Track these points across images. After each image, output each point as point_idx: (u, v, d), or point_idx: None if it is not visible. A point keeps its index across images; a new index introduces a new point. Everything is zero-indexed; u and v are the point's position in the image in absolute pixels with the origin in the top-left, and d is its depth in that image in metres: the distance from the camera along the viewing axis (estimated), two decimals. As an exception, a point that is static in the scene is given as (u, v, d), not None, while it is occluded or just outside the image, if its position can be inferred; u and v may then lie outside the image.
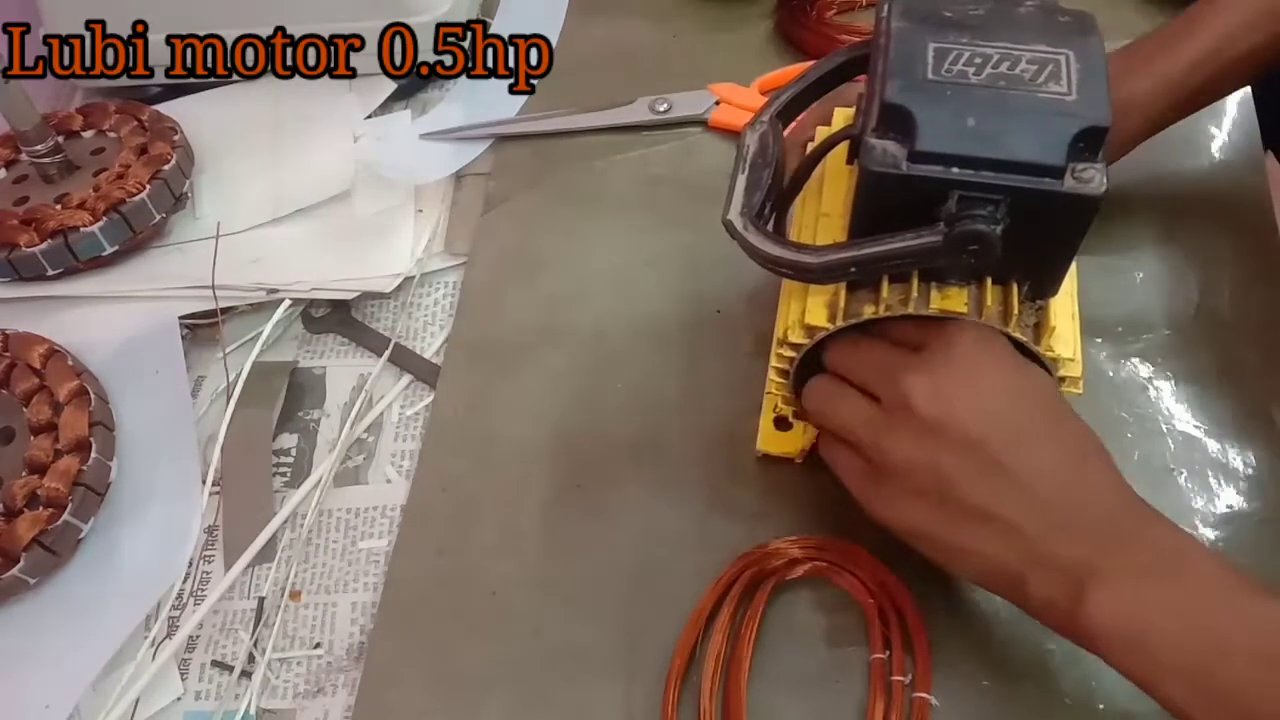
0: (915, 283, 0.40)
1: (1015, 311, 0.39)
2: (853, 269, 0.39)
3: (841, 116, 0.47)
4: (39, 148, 0.64)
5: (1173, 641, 0.35)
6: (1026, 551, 0.38)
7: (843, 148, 0.44)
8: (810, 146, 0.45)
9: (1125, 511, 0.39)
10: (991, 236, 0.36)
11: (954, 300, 0.40)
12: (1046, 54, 0.37)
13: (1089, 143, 0.36)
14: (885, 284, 0.40)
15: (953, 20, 0.38)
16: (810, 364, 0.44)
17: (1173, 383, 0.53)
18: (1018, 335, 0.39)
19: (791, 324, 0.43)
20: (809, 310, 0.42)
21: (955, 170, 0.36)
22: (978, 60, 0.37)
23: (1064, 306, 0.41)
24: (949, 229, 0.36)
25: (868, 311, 0.40)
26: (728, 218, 0.41)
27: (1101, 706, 0.44)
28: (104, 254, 0.62)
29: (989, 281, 0.40)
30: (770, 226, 0.42)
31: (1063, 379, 0.41)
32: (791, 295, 0.44)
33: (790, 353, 0.44)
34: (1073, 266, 0.41)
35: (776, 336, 0.44)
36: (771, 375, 0.46)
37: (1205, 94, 0.52)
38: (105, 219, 0.61)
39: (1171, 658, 0.35)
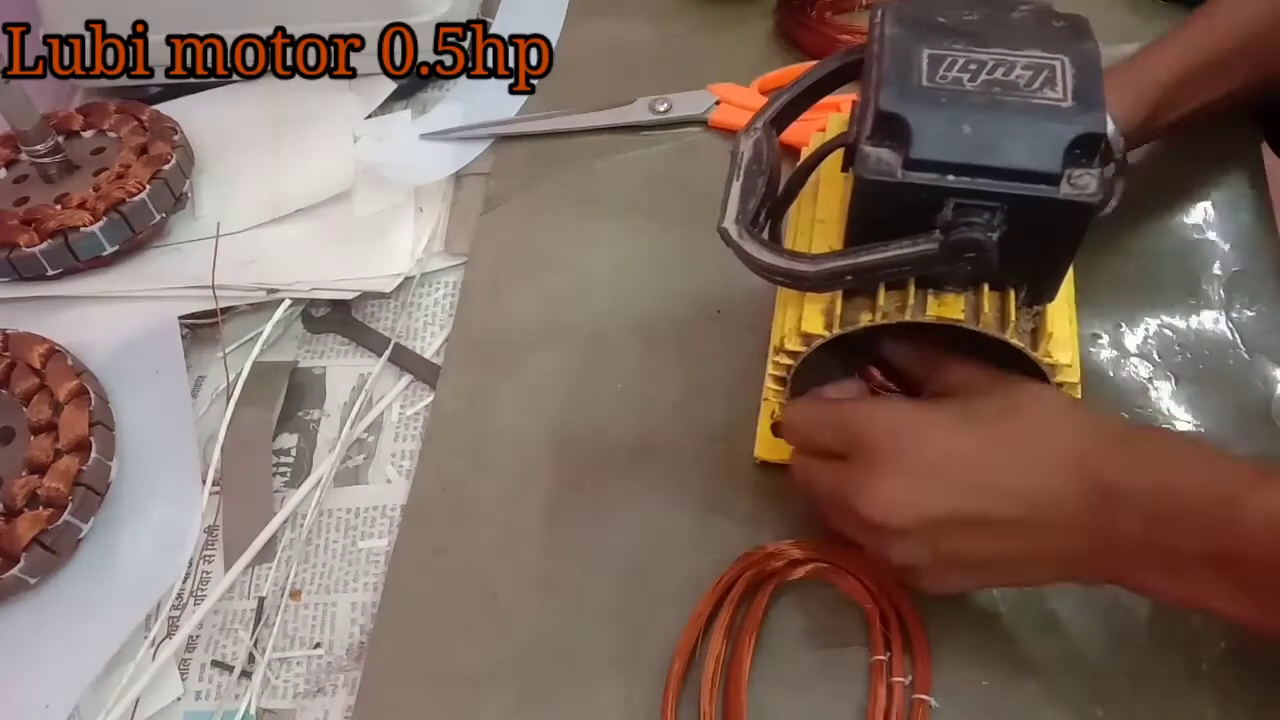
0: (912, 290, 0.40)
1: (1012, 318, 0.39)
2: (849, 277, 0.39)
3: (836, 123, 0.47)
4: (39, 148, 0.64)
5: None
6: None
7: (837, 154, 0.44)
8: (805, 153, 0.45)
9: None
10: (988, 244, 0.36)
11: (951, 307, 0.40)
12: (1041, 60, 0.37)
13: (1085, 149, 0.36)
14: (882, 291, 0.40)
15: (947, 26, 0.38)
16: (807, 371, 0.44)
17: (1173, 383, 0.53)
18: (1015, 342, 0.39)
19: (788, 332, 0.42)
20: (805, 318, 0.42)
21: (951, 178, 0.36)
22: (972, 67, 0.37)
23: (1061, 312, 0.41)
24: (945, 236, 0.36)
25: (864, 319, 0.40)
26: (722, 225, 0.41)
27: (1101, 710, 0.44)
28: (104, 254, 0.62)
29: (986, 288, 0.40)
30: (765, 234, 0.42)
31: (1061, 384, 0.41)
32: (788, 303, 0.44)
33: (787, 360, 0.43)
34: (1071, 271, 0.41)
35: (773, 344, 0.44)
36: (769, 383, 0.46)
37: (1184, 120, 0.53)
38: (105, 219, 0.61)
39: None
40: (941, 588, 0.42)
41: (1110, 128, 0.38)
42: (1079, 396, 0.42)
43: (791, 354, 0.43)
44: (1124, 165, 0.40)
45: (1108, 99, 0.36)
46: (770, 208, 0.43)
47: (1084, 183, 0.35)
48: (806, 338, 0.42)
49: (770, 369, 0.45)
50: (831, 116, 0.48)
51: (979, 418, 0.41)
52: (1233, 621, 0.38)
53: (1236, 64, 0.52)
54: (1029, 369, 0.41)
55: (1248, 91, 0.53)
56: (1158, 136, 0.54)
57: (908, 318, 0.40)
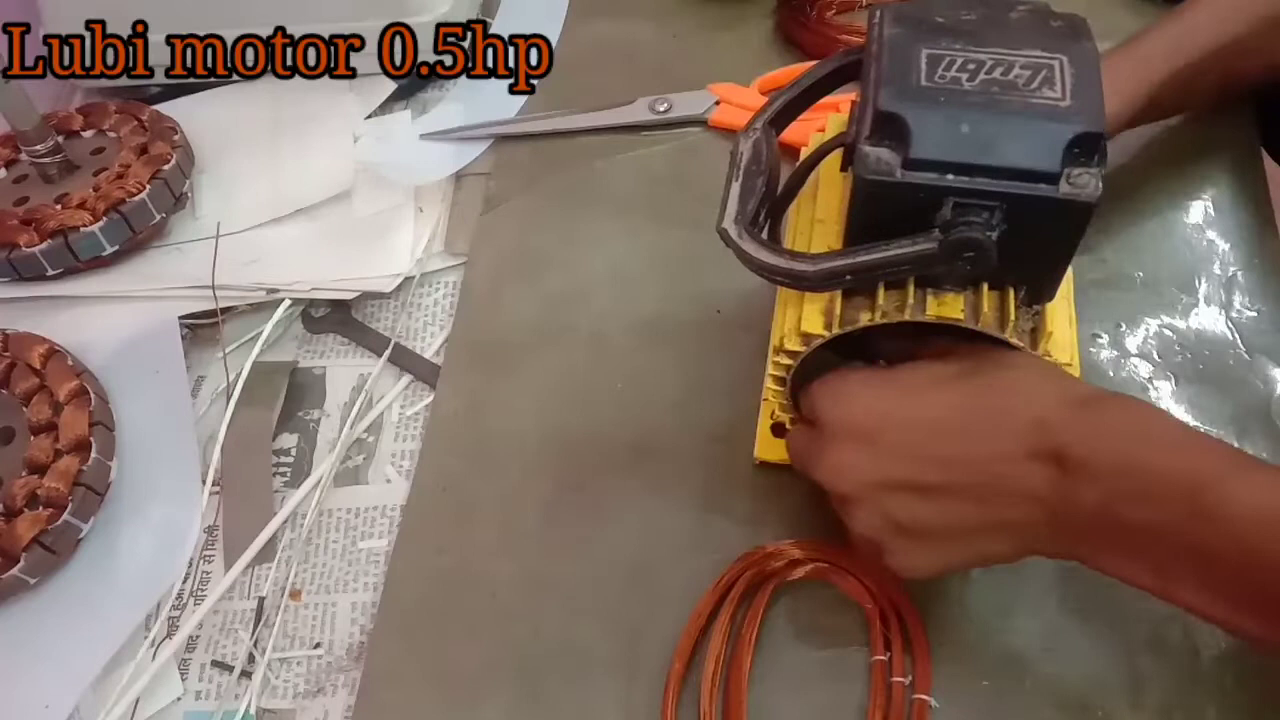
0: (911, 289, 0.40)
1: (1012, 317, 0.39)
2: (848, 277, 0.39)
3: (835, 123, 0.47)
4: (39, 148, 0.64)
5: None
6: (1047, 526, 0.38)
7: (836, 154, 0.44)
8: (804, 153, 0.45)
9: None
10: (987, 243, 0.36)
11: (950, 306, 0.40)
12: (1040, 59, 0.37)
13: (1084, 148, 0.36)
14: (881, 291, 0.40)
15: (945, 26, 0.38)
16: (807, 371, 0.44)
17: (1173, 383, 0.53)
18: (1014, 341, 0.39)
19: (788, 332, 0.43)
20: (805, 318, 0.42)
21: (950, 177, 0.36)
22: (971, 66, 0.37)
23: (1060, 311, 0.41)
24: (944, 236, 0.36)
25: (864, 319, 0.40)
26: (722, 226, 0.41)
27: (1101, 710, 0.44)
28: (104, 254, 0.62)
29: (985, 287, 0.40)
30: (765, 234, 0.42)
31: None
32: (787, 303, 0.44)
33: (787, 360, 0.44)
34: (1070, 270, 0.41)
35: (773, 344, 0.44)
36: (768, 383, 0.46)
37: (1172, 106, 0.53)
38: (105, 219, 0.61)
39: None
40: (908, 566, 0.41)
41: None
42: None
43: (791, 354, 0.43)
44: (1103, 158, 0.39)
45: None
46: (769, 208, 0.43)
47: (1083, 181, 0.35)
48: (806, 338, 0.42)
49: (770, 369, 0.45)
50: (831, 116, 0.48)
51: (934, 380, 0.40)
52: (1207, 621, 0.36)
53: (1218, 59, 0.52)
54: None
55: (1234, 86, 0.53)
56: (1142, 123, 0.54)
57: (907, 317, 0.40)
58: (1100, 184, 0.35)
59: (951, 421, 0.39)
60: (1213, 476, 0.34)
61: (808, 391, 0.43)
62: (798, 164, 0.45)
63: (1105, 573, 0.38)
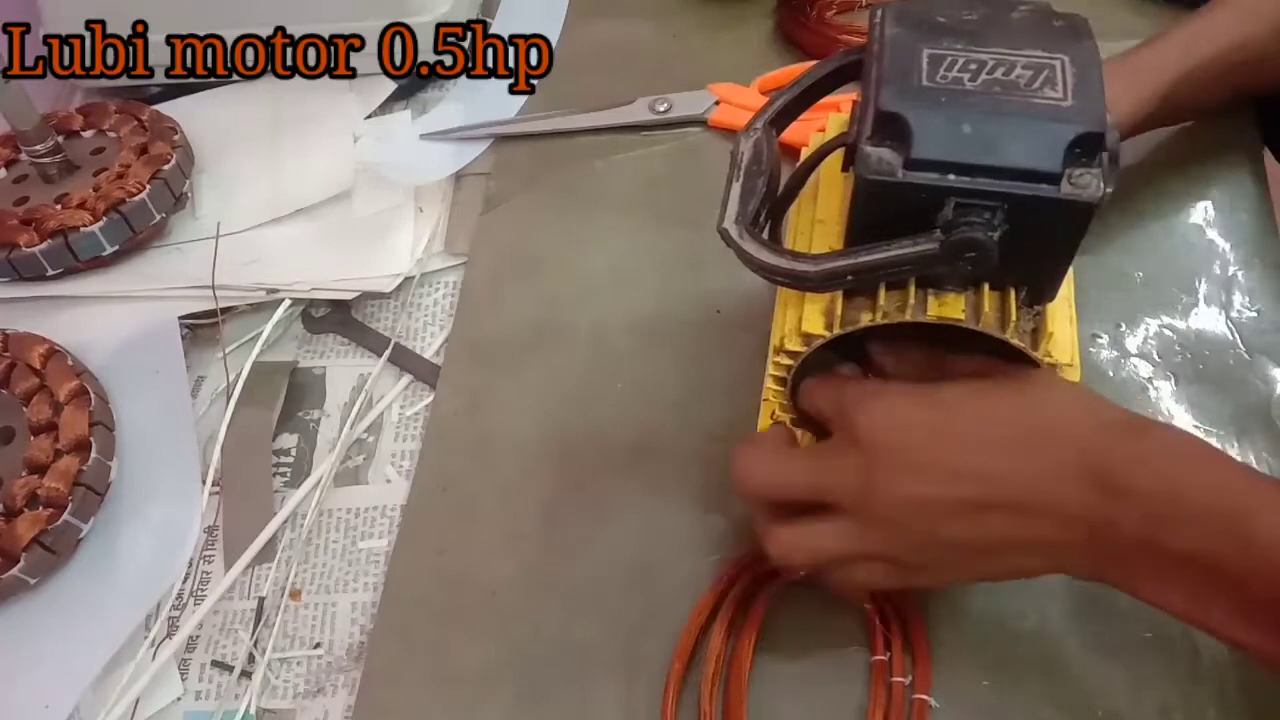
0: (912, 289, 0.40)
1: (1013, 318, 0.39)
2: (849, 277, 0.39)
3: (836, 123, 0.47)
4: (39, 148, 0.64)
5: None
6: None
7: (837, 154, 0.44)
8: (805, 153, 0.45)
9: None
10: (988, 243, 0.36)
11: (951, 307, 0.40)
12: (1042, 59, 0.37)
13: (1085, 148, 0.35)
14: (882, 291, 0.40)
15: (947, 26, 0.38)
16: (809, 372, 0.44)
17: (1173, 383, 0.53)
18: (1015, 341, 0.39)
19: (788, 332, 0.42)
20: (806, 318, 0.42)
21: (951, 177, 0.36)
22: (972, 66, 0.37)
23: (1061, 311, 0.41)
24: (946, 236, 0.36)
25: (865, 319, 0.40)
26: (722, 226, 0.41)
27: (1101, 710, 0.44)
28: (104, 254, 0.62)
29: (986, 287, 0.40)
30: (766, 234, 0.42)
31: None
32: (788, 303, 0.44)
33: (788, 360, 0.43)
34: (1070, 270, 0.41)
35: (773, 344, 0.44)
36: (768, 383, 0.46)
37: (1186, 109, 0.53)
38: (105, 219, 0.61)
39: None
40: (936, 582, 0.42)
41: (1108, 119, 0.38)
42: None
43: (792, 354, 0.43)
44: (1116, 159, 0.39)
45: (1108, 92, 0.36)
46: (770, 208, 0.43)
47: (1084, 182, 0.35)
48: (807, 338, 0.42)
49: (770, 369, 0.45)
50: (831, 116, 0.48)
51: (976, 396, 0.40)
52: (1234, 646, 0.36)
53: (1235, 64, 0.52)
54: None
55: (1247, 91, 0.54)
56: (1156, 126, 0.54)
57: (908, 317, 0.40)
58: (1102, 184, 0.35)
59: (994, 437, 0.39)
60: (1253, 506, 0.35)
61: (842, 407, 0.42)
62: (798, 164, 0.45)
63: (1136, 596, 0.38)
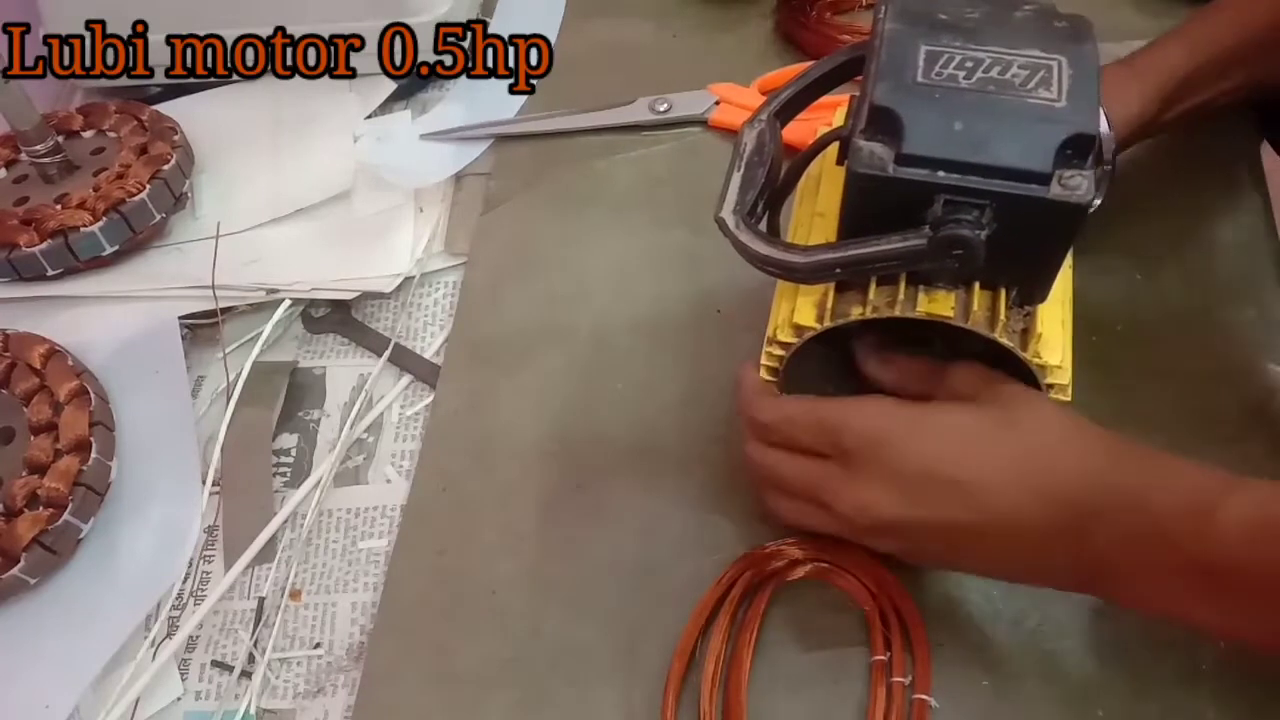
0: (902, 285, 0.40)
1: (1002, 317, 0.39)
2: (838, 270, 0.39)
3: (842, 116, 0.47)
4: (39, 148, 0.64)
5: None
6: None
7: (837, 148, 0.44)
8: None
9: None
10: (975, 241, 0.36)
11: (940, 304, 0.40)
12: (1039, 59, 0.37)
13: (1076, 150, 0.35)
14: (873, 286, 0.40)
15: (947, 23, 0.38)
16: (808, 371, 0.44)
17: (1172, 383, 0.53)
18: (1004, 341, 0.39)
19: (781, 323, 0.43)
20: (798, 310, 0.42)
21: (941, 174, 0.36)
22: (969, 64, 0.37)
23: (1053, 313, 0.41)
24: (934, 233, 0.36)
25: (855, 313, 0.40)
26: (720, 215, 0.41)
27: (1101, 710, 0.44)
28: (104, 254, 0.62)
29: (976, 286, 0.40)
30: (763, 225, 0.42)
31: (1051, 385, 0.41)
32: (783, 295, 0.44)
33: (780, 351, 0.44)
34: (1068, 272, 0.41)
35: (767, 335, 0.44)
36: (762, 374, 0.46)
37: (1190, 111, 0.53)
38: (105, 219, 0.61)
39: None
40: (918, 564, 0.45)
41: (1104, 128, 0.38)
42: (1069, 398, 0.42)
43: (784, 345, 0.43)
44: (1113, 163, 0.40)
45: (1111, 94, 0.36)
46: (768, 199, 0.43)
47: (1075, 184, 0.35)
48: (798, 329, 0.42)
49: (763, 359, 0.45)
50: (839, 110, 0.48)
51: (970, 427, 0.41)
52: (1218, 637, 0.38)
53: (1240, 62, 0.52)
54: (1019, 369, 0.41)
55: (1251, 89, 0.53)
56: (1160, 131, 0.54)
57: (897, 313, 0.40)
58: (1094, 186, 0.35)
59: (975, 461, 0.40)
60: (1213, 500, 0.36)
61: (817, 420, 0.43)
62: (797, 155, 0.45)
63: (1122, 604, 0.40)
